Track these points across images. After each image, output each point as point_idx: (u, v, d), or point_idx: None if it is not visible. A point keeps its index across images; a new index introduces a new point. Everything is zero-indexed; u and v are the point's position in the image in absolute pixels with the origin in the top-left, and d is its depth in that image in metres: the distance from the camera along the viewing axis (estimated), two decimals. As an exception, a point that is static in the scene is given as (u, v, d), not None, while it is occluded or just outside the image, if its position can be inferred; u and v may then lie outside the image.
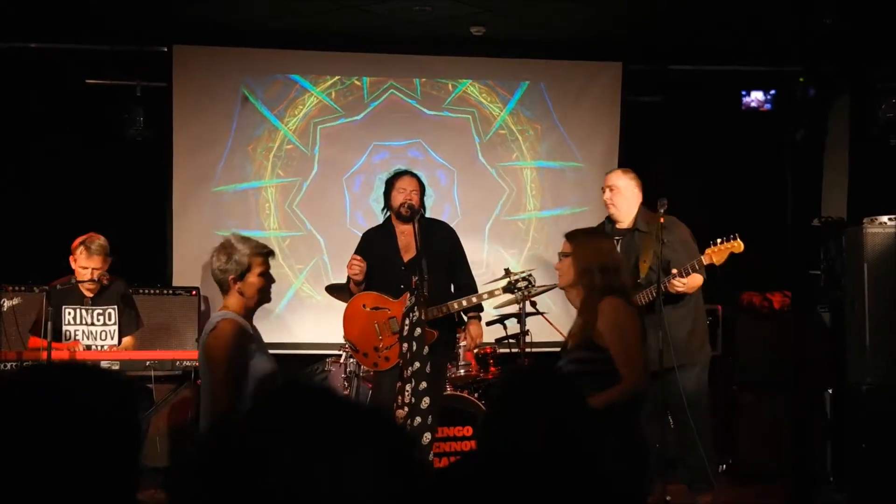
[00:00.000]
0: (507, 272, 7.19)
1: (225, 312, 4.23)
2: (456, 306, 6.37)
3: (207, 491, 1.28)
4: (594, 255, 4.54)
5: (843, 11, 7.20)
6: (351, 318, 6.56)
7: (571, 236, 4.73)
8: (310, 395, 1.37)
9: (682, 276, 5.96)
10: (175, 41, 8.24)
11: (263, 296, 4.34)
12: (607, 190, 6.32)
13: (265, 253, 4.31)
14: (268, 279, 4.32)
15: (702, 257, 6.03)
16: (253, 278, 4.25)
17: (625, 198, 6.28)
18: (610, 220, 6.40)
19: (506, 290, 6.46)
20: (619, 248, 6.16)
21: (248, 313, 4.34)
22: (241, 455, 1.27)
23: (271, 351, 7.57)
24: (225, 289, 4.27)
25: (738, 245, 6.04)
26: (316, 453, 1.27)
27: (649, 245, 6.10)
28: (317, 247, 8.52)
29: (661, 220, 6.05)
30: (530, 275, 6.53)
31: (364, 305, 6.52)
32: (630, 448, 4.24)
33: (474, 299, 6.41)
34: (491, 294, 6.46)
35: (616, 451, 4.10)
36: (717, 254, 6.03)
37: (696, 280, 6.04)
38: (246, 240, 4.32)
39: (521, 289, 6.45)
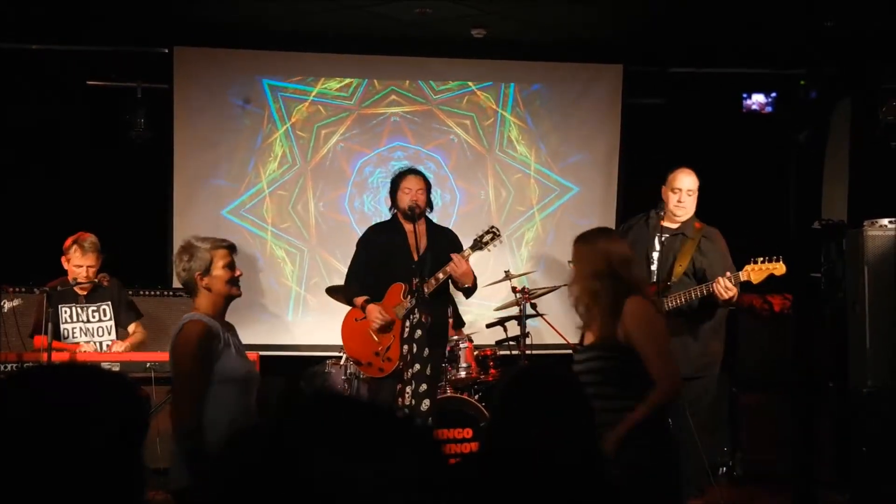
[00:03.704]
0: (507, 274, 7.21)
1: (192, 314, 4.24)
2: (441, 275, 6.28)
3: (236, 497, 1.27)
4: (599, 260, 4.45)
5: (844, 14, 7.21)
6: (347, 334, 6.61)
7: (575, 242, 4.64)
8: (338, 402, 1.37)
9: (731, 283, 5.85)
10: (176, 43, 8.25)
11: (231, 289, 4.35)
12: (684, 193, 6.19)
13: (226, 245, 4.36)
14: (233, 270, 4.35)
15: (739, 273, 5.94)
16: (218, 271, 4.29)
17: (695, 204, 6.20)
18: (658, 213, 6.26)
19: (474, 248, 6.41)
20: (658, 246, 6.12)
21: (219, 312, 4.34)
22: (268, 464, 1.27)
23: (272, 353, 7.69)
24: (193, 289, 4.29)
25: (780, 267, 5.92)
26: (347, 461, 1.26)
27: (689, 251, 6.05)
28: (317, 249, 8.51)
29: (697, 225, 6.04)
30: (493, 227, 6.50)
31: (356, 319, 6.55)
32: (663, 455, 4.16)
33: (458, 256, 6.29)
34: (463, 257, 6.32)
35: (649, 459, 4.06)
36: (755, 272, 5.92)
37: (736, 295, 5.95)
38: (204, 238, 4.36)
39: (486, 243, 6.41)
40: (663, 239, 6.14)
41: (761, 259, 5.94)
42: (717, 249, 6.12)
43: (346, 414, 1.34)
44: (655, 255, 6.13)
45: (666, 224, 6.22)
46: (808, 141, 8.34)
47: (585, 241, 4.52)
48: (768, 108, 8.38)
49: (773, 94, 8.35)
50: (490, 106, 8.66)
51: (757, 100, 8.37)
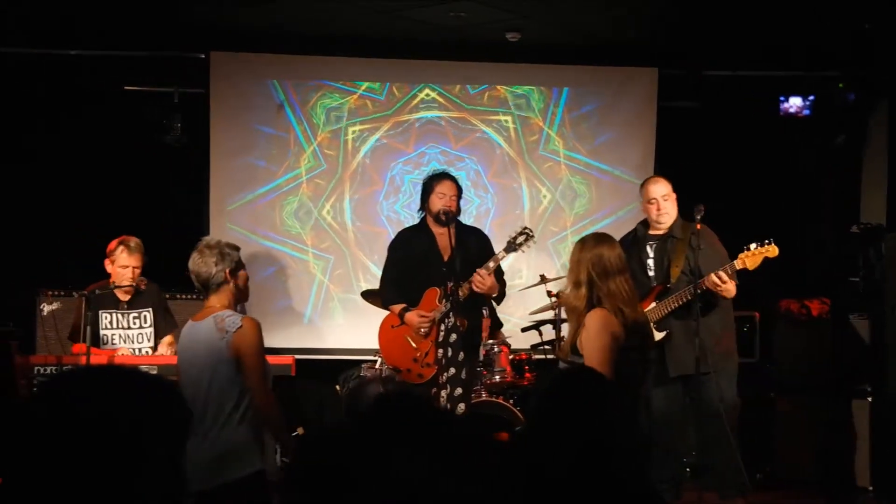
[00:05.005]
0: (543, 278, 7.19)
1: (232, 311, 4.44)
2: (477, 277, 6.22)
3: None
4: (583, 269, 4.59)
5: (883, 16, 7.15)
6: (385, 343, 6.59)
7: (574, 245, 4.80)
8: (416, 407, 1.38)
9: (725, 276, 5.86)
10: (212, 48, 8.30)
11: (247, 291, 4.62)
12: (661, 200, 6.21)
13: (239, 250, 4.61)
14: (247, 274, 4.64)
15: (734, 262, 5.95)
16: (242, 272, 4.55)
17: (675, 206, 6.24)
18: (644, 225, 6.36)
19: (508, 250, 6.39)
20: (651, 253, 6.18)
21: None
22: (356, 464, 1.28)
23: (305, 357, 7.70)
24: (216, 285, 4.46)
25: (772, 250, 5.94)
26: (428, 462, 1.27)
27: (682, 251, 6.08)
28: (349, 251, 8.53)
29: (699, 226, 6.02)
30: (526, 227, 6.50)
31: (392, 326, 6.52)
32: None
33: (483, 271, 6.21)
34: (496, 260, 6.30)
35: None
36: (750, 259, 5.94)
37: (732, 286, 5.98)
38: (224, 242, 4.60)
39: (520, 244, 6.41)
40: (654, 245, 6.20)
41: (754, 245, 5.93)
42: (707, 244, 6.11)
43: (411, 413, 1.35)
44: (650, 262, 6.22)
45: (653, 232, 6.29)
46: (846, 144, 8.28)
47: (578, 248, 4.72)
48: (805, 112, 8.32)
49: (811, 98, 8.29)
50: (524, 110, 8.63)
51: (794, 103, 8.31)
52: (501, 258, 6.35)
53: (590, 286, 4.55)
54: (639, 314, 4.72)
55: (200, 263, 4.46)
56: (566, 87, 8.69)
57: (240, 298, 4.57)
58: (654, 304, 6.01)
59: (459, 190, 6.54)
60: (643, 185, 6.42)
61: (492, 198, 8.63)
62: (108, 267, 6.42)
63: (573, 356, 4.55)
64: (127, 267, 6.36)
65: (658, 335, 5.93)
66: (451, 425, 1.36)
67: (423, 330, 6.32)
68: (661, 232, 6.26)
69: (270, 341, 8.06)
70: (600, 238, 4.75)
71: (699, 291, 5.89)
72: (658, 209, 6.23)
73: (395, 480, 1.26)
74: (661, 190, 6.25)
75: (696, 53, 8.40)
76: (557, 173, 8.67)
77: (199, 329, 4.42)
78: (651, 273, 6.19)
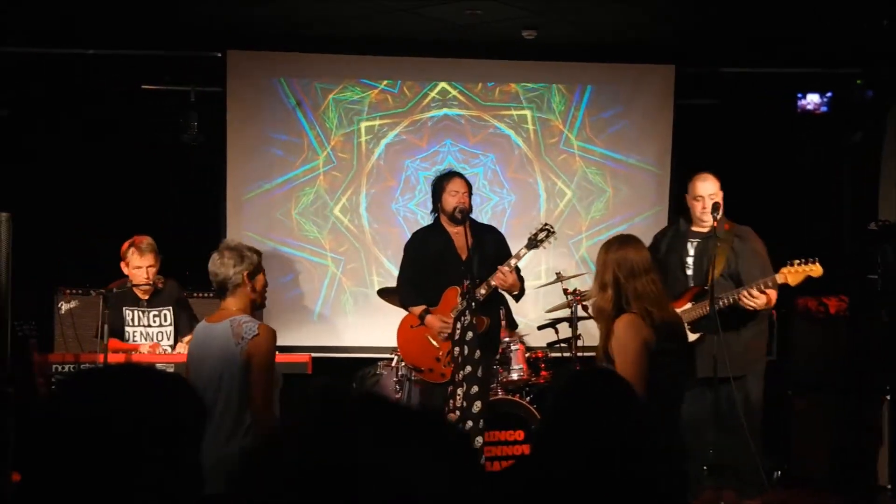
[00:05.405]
0: (559, 276, 7.19)
1: (249, 317, 4.40)
2: (493, 282, 6.26)
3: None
4: (608, 271, 4.56)
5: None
6: (405, 342, 6.60)
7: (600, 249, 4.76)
8: (376, 404, 1.38)
9: (757, 292, 5.79)
10: (229, 46, 8.31)
11: (265, 297, 4.59)
12: (707, 199, 6.09)
13: (261, 256, 4.59)
14: (266, 280, 4.60)
15: (776, 276, 5.84)
16: (261, 276, 4.52)
17: (721, 205, 6.16)
18: (687, 220, 6.26)
19: (529, 247, 6.41)
20: (692, 251, 6.10)
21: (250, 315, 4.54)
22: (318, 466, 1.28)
23: (321, 355, 7.71)
24: (233, 288, 4.44)
25: (817, 269, 5.78)
26: (387, 461, 1.27)
27: (722, 253, 5.99)
28: (365, 249, 8.54)
29: (723, 225, 5.96)
30: (547, 224, 6.51)
31: (411, 326, 6.54)
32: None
33: (506, 268, 6.27)
34: (518, 256, 6.34)
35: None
36: (792, 275, 5.79)
37: (772, 297, 5.89)
38: (245, 244, 4.60)
39: (541, 241, 6.43)
40: (695, 244, 6.11)
41: (798, 261, 5.83)
42: (749, 249, 6.02)
43: (383, 412, 1.35)
44: (690, 260, 6.10)
45: (696, 229, 6.18)
46: (863, 141, 8.24)
47: (603, 250, 4.68)
48: (823, 109, 8.29)
49: (829, 94, 8.25)
50: (541, 108, 8.62)
51: (812, 100, 8.28)
52: (523, 254, 6.36)
53: (616, 288, 4.50)
54: (669, 314, 4.65)
55: (219, 264, 4.44)
56: (583, 85, 8.65)
57: (256, 305, 4.53)
58: (689, 305, 5.91)
59: (470, 187, 6.57)
60: (692, 179, 6.32)
61: (507, 194, 8.61)
62: (125, 269, 6.47)
63: (606, 362, 4.51)
64: (140, 267, 6.41)
65: (692, 336, 5.84)
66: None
67: (444, 334, 6.34)
68: (704, 230, 6.16)
69: (284, 339, 8.10)
70: (625, 239, 4.71)
71: (726, 303, 5.81)
72: (703, 207, 6.11)
73: (394, 481, 1.26)
74: (710, 188, 6.15)
75: (714, 50, 8.37)
76: (572, 165, 8.65)
77: (214, 331, 4.40)
78: (689, 272, 6.07)
